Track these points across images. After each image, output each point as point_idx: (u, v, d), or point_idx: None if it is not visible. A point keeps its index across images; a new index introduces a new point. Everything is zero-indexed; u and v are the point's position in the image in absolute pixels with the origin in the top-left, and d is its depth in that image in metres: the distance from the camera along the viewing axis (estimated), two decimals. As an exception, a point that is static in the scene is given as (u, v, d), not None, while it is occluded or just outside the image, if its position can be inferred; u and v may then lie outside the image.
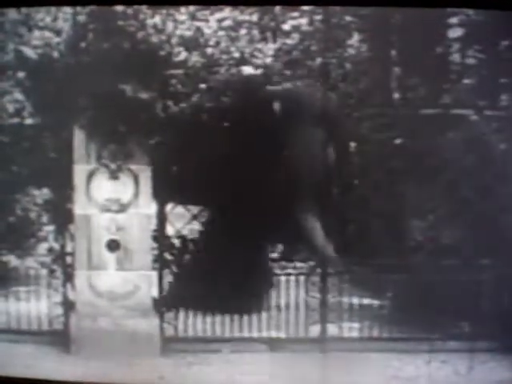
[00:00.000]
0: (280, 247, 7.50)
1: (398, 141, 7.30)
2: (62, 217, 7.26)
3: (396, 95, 7.55)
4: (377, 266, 7.21)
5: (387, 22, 7.49)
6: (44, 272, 7.29)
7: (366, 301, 7.37)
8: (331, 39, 7.30)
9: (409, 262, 7.19)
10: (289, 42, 7.24)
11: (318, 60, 7.23)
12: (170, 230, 7.35)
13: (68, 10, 7.05)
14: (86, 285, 7.12)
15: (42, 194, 7.42)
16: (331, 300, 7.25)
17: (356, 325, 7.25)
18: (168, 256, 7.34)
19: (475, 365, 6.71)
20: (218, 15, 7.13)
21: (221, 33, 7.15)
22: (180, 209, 7.37)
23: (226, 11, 7.13)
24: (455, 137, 7.27)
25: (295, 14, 7.26)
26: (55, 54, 7.11)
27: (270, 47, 7.21)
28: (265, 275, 7.42)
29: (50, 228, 7.40)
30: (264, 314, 7.27)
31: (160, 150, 7.11)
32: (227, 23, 7.14)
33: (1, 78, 7.27)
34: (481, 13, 7.18)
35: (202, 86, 7.11)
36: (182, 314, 7.26)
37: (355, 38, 7.46)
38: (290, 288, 7.30)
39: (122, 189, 7.15)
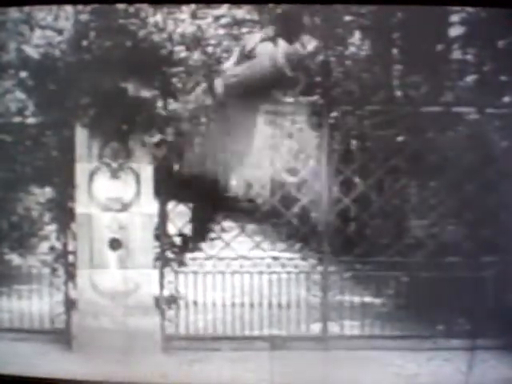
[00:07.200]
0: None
1: (399, 138, 7.30)
2: (64, 215, 7.26)
3: (398, 93, 7.54)
4: (378, 263, 7.22)
5: (388, 19, 7.49)
6: (46, 271, 7.29)
7: (367, 299, 7.36)
8: (332, 37, 7.31)
9: (410, 260, 7.19)
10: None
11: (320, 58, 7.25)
12: (171, 229, 7.36)
13: (69, 8, 7.07)
14: (88, 283, 7.12)
15: (44, 192, 7.42)
16: (332, 298, 7.25)
17: (357, 323, 7.24)
18: (169, 254, 7.34)
19: (477, 362, 6.68)
20: (218, 12, 7.16)
21: (221, 31, 7.18)
22: (181, 207, 7.37)
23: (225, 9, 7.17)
24: (457, 134, 7.26)
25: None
26: (57, 53, 7.12)
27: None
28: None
29: (52, 227, 7.39)
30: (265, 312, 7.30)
31: (161, 149, 7.12)
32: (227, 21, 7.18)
33: (3, 77, 7.28)
34: (482, 10, 7.17)
35: (204, 83, 7.13)
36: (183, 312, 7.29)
37: (356, 36, 7.47)
38: (291, 286, 7.30)
39: (124, 188, 7.14)
